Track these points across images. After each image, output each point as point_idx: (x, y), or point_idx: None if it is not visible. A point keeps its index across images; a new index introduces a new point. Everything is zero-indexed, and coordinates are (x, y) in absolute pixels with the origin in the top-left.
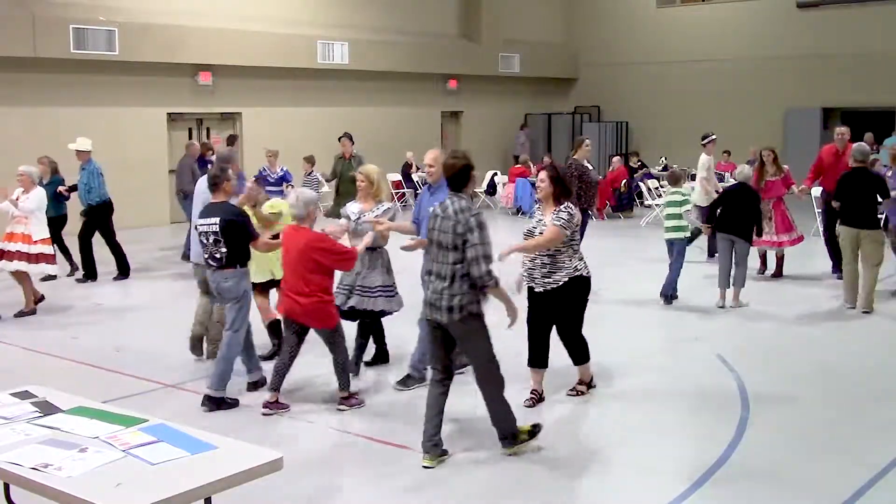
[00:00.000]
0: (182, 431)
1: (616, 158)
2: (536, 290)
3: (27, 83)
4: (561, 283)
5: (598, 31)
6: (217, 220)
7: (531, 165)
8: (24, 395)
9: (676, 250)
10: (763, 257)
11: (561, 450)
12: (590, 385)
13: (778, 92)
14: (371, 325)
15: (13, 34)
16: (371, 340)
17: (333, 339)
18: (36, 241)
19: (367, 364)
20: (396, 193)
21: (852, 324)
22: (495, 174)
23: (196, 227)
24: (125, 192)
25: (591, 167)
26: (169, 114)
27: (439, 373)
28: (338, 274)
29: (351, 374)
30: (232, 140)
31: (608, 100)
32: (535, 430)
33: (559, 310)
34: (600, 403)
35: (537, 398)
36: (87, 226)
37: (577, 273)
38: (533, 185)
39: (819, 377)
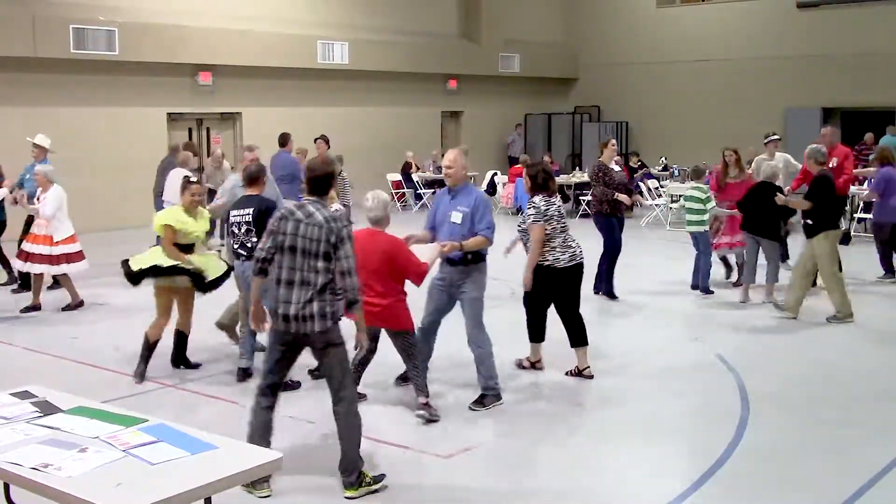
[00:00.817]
0: (182, 431)
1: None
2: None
3: (27, 83)
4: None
5: (598, 31)
6: (251, 210)
7: None
8: (24, 395)
9: (701, 243)
10: (724, 260)
11: (560, 449)
12: (581, 372)
13: (778, 92)
14: None
15: (13, 34)
16: None
17: (409, 343)
18: (57, 243)
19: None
20: (396, 193)
21: (852, 324)
22: (495, 174)
23: (228, 219)
24: (125, 192)
25: (617, 168)
26: (169, 114)
27: (269, 394)
28: None
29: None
30: (285, 139)
31: (608, 100)
32: (378, 479)
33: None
34: (599, 402)
35: (528, 365)
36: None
37: (540, 262)
38: None
39: (819, 377)
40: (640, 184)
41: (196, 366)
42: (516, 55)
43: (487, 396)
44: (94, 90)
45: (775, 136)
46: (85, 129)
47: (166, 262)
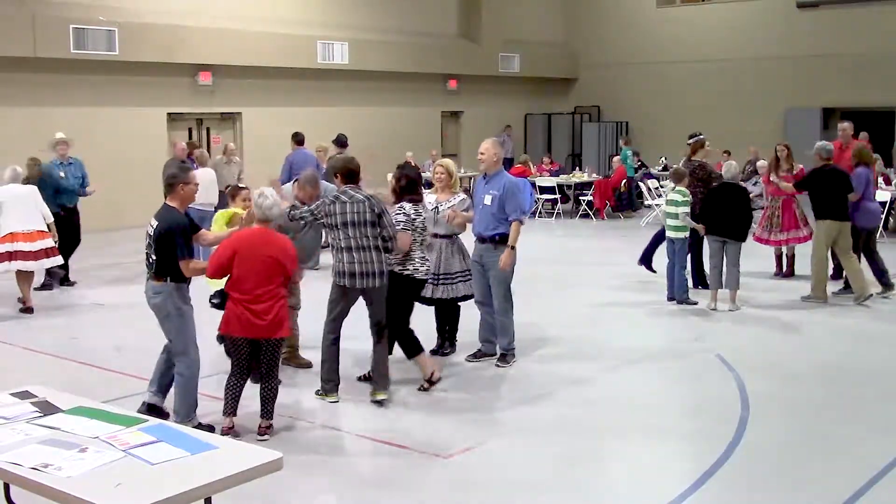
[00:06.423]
0: (182, 431)
1: (616, 158)
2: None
3: (27, 83)
4: None
5: (598, 31)
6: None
7: (531, 165)
8: (24, 395)
9: (677, 250)
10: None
11: (560, 449)
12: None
13: (778, 92)
14: (451, 310)
15: (13, 34)
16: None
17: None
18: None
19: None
20: None
21: (852, 324)
22: None
23: None
24: (125, 192)
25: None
26: (169, 114)
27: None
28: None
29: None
30: (301, 138)
31: (608, 100)
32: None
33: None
34: (600, 402)
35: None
36: None
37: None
38: (533, 184)
39: (819, 377)
40: (640, 184)
41: None
42: (516, 55)
43: (508, 355)
44: (94, 90)
45: (701, 136)
46: (85, 129)
47: None
